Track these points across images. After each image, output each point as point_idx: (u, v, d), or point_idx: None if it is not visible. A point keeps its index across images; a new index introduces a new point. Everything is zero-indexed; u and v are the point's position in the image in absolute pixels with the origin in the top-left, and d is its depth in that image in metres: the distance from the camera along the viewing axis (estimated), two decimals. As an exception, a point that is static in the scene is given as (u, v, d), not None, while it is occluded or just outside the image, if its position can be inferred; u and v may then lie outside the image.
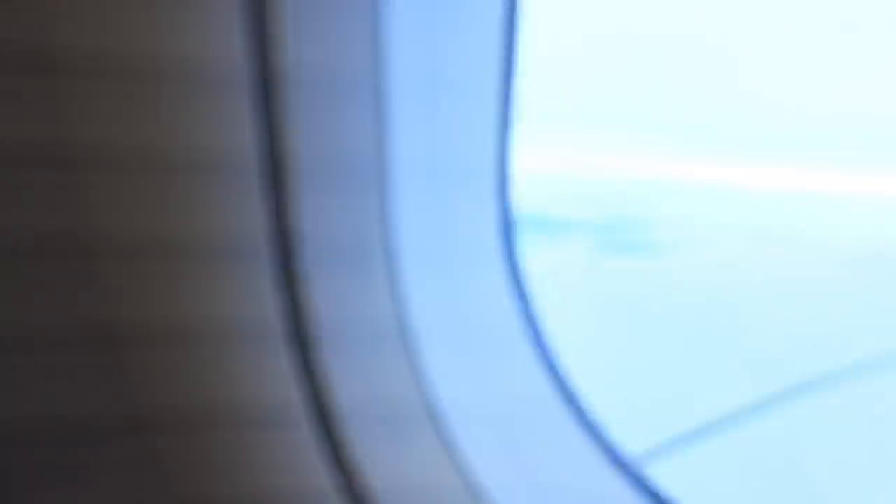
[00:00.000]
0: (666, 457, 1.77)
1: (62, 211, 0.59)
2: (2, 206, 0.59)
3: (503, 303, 0.64)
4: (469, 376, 0.61)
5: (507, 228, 0.70)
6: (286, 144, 0.55)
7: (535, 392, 0.66)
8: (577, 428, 0.70)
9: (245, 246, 0.57)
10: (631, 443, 1.87)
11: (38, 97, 0.56)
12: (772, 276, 3.95)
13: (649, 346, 2.43)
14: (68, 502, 0.67)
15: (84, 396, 0.64)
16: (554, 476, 0.65)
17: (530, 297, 0.68)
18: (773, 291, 3.59)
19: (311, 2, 0.50)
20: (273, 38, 0.50)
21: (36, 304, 0.64)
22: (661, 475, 1.73)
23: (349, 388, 0.60)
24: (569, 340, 2.38)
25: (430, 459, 0.62)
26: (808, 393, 2.11)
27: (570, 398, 0.72)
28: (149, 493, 0.63)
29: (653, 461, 1.81)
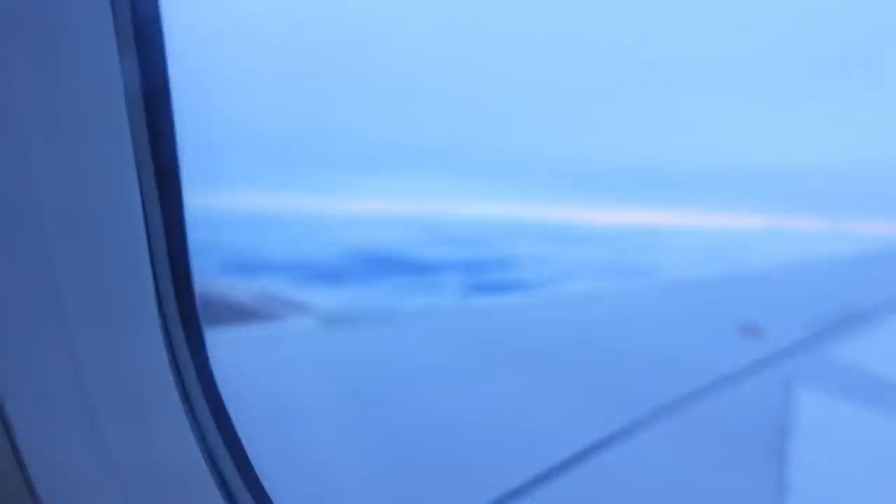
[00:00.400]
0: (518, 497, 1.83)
1: None
2: None
3: (161, 369, 0.63)
4: (127, 444, 0.62)
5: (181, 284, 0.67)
6: None
7: (185, 456, 0.67)
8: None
9: None
10: (484, 481, 1.91)
11: None
12: (629, 308, 4.16)
13: (514, 384, 2.46)
14: None
15: None
16: None
17: (206, 359, 0.70)
18: (631, 323, 3.79)
19: None
20: None
21: None
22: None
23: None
24: (431, 380, 2.38)
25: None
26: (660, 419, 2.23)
27: (239, 461, 0.74)
28: None
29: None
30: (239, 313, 5.04)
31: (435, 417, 2.12)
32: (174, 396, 0.64)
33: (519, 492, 1.84)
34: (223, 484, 0.73)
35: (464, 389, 2.31)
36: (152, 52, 0.59)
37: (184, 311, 0.68)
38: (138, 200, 0.61)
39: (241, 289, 5.31)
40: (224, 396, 0.71)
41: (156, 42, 0.59)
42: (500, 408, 2.18)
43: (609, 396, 2.43)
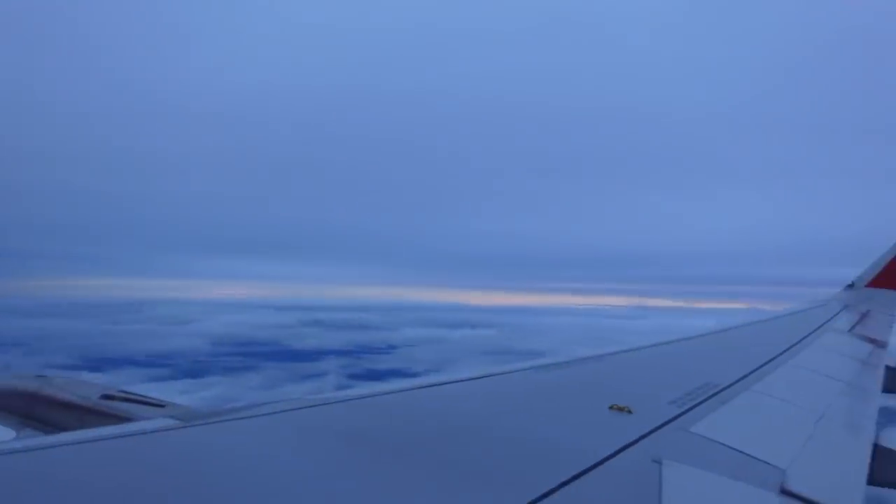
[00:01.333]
0: None
1: None
2: None
3: None
4: None
5: None
6: None
7: None
8: None
9: None
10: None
11: None
12: (507, 389, 4.21)
13: (390, 477, 2.35)
14: None
15: None
16: None
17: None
18: (510, 404, 3.81)
19: None
20: None
21: None
22: None
23: None
24: (299, 481, 2.22)
25: None
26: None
27: None
28: None
29: None
30: (85, 413, 4.54)
31: None
32: None
33: None
34: None
35: (335, 487, 2.17)
36: None
37: None
38: None
39: (85, 385, 4.82)
40: None
41: None
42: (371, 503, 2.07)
43: (488, 482, 2.38)
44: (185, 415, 2.86)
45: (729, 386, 4.67)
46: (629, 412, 3.54)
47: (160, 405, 4.43)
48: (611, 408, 3.60)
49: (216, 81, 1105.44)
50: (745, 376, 5.10)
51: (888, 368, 7.60)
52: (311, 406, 3.17)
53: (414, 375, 4.09)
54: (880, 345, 8.98)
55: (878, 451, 3.94)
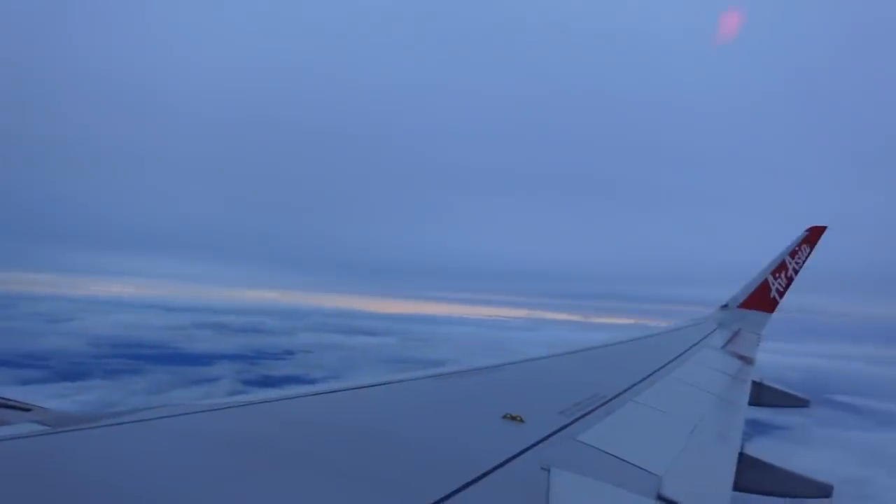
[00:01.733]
0: None
1: None
2: None
3: None
4: None
5: None
6: None
7: None
8: None
9: None
10: None
11: None
12: (402, 398, 4.20)
13: (282, 485, 2.30)
14: None
15: None
16: None
17: None
18: (405, 412, 3.80)
19: None
20: None
21: None
22: None
23: None
24: (184, 491, 2.12)
25: None
26: None
27: None
28: None
29: None
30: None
31: None
32: None
33: None
34: None
35: (212, 495, 2.09)
36: None
37: None
38: None
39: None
40: None
41: None
42: None
43: (379, 490, 2.37)
44: (54, 420, 2.67)
45: (614, 397, 4.89)
46: (521, 421, 3.64)
47: (26, 409, 4.09)
48: (504, 417, 3.68)
49: (108, 69, 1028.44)
50: (629, 388, 5.36)
51: (754, 383, 8.26)
52: (196, 412, 3.03)
53: (311, 382, 4.01)
54: (748, 361, 9.72)
55: (743, 460, 4.25)
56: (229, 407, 3.22)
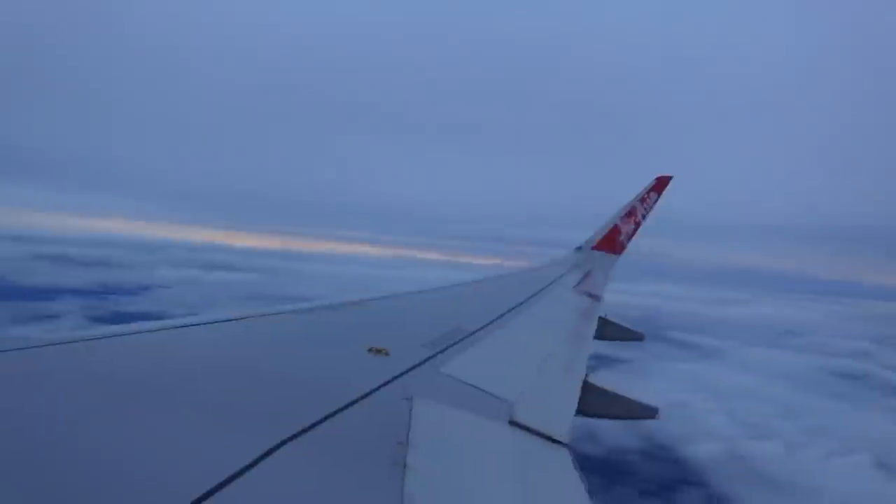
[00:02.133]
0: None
1: None
2: None
3: None
4: None
5: None
6: None
7: None
8: None
9: None
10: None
11: None
12: (264, 333, 4.16)
13: (139, 422, 2.24)
14: None
15: None
16: None
17: None
18: (267, 348, 3.77)
19: None
20: None
21: None
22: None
23: None
24: (32, 426, 2.01)
25: None
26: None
27: None
28: None
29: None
30: None
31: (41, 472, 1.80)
32: None
33: None
34: None
35: (77, 432, 2.02)
36: None
37: None
38: None
39: None
40: None
41: None
42: (119, 451, 1.96)
43: (243, 425, 2.38)
44: None
45: (476, 331, 5.16)
46: (386, 354, 3.76)
47: None
48: (369, 350, 3.78)
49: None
50: (489, 323, 5.67)
51: (600, 319, 9.02)
52: (38, 346, 2.84)
53: (169, 319, 3.83)
54: (597, 299, 10.54)
55: (586, 387, 4.68)
56: (74, 342, 3.03)
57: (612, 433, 28.65)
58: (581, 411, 4.26)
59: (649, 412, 5.25)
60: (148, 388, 2.56)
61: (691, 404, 37.36)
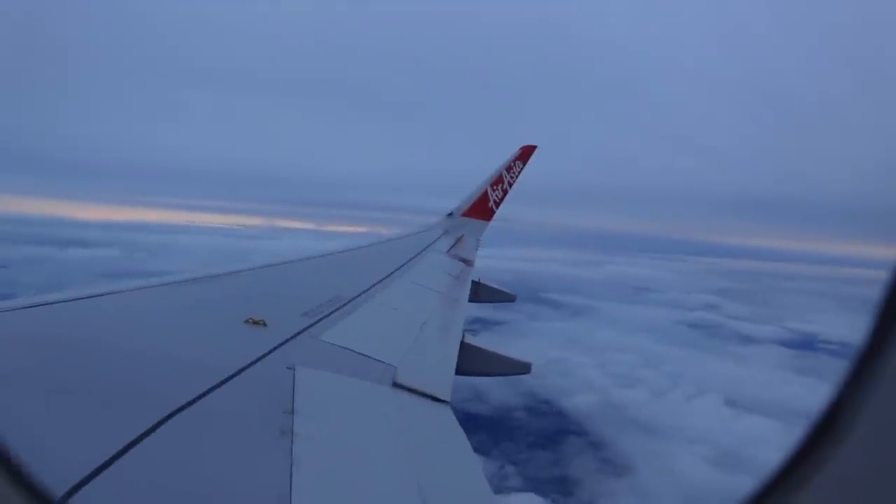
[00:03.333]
0: None
1: None
2: None
3: None
4: None
5: None
6: None
7: None
8: None
9: None
10: None
11: None
12: (134, 308, 4.00)
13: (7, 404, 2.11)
14: None
15: None
16: None
17: None
18: (138, 323, 3.62)
19: None
20: None
21: None
22: None
23: None
24: None
25: None
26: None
27: None
28: None
29: None
30: None
31: None
32: None
33: None
34: None
35: None
36: None
37: None
38: None
39: None
40: None
41: None
42: None
43: (121, 405, 2.29)
44: None
45: (353, 298, 5.20)
46: (264, 325, 3.72)
47: None
48: (246, 322, 3.72)
49: None
50: (366, 290, 5.73)
51: (473, 282, 9.37)
52: None
53: (27, 294, 3.52)
54: (469, 264, 10.92)
55: (464, 348, 4.90)
56: None
57: (498, 393, 30.06)
58: (461, 370, 4.46)
59: (523, 368, 5.60)
60: (12, 372, 2.38)
61: (566, 360, 39.93)
